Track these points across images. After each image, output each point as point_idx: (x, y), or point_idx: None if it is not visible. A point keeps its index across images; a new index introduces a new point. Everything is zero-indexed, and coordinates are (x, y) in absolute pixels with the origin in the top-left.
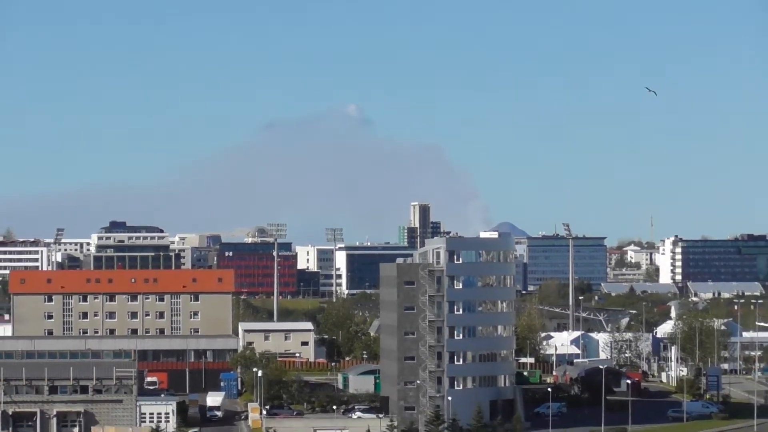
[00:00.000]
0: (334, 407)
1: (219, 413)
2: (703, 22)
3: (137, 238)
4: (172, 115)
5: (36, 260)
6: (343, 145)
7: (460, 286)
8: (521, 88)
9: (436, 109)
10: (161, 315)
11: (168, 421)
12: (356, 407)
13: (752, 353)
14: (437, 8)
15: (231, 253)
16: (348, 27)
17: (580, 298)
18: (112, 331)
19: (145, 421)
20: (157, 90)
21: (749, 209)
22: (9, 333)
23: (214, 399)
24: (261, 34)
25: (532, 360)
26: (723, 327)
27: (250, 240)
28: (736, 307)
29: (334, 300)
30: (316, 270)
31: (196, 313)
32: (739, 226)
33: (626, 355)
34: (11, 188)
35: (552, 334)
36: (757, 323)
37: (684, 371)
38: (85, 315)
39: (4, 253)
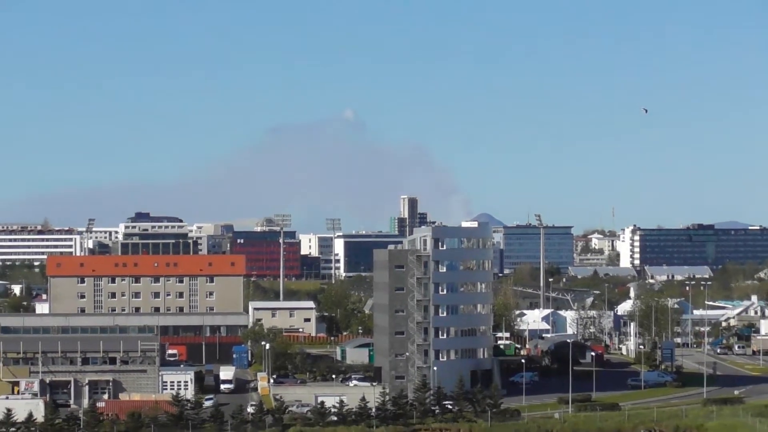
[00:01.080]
0: (333, 376)
1: (231, 386)
2: (648, 19)
3: (159, 227)
4: (191, 118)
5: (70, 247)
6: (341, 146)
7: (444, 270)
8: (497, 94)
9: (421, 114)
10: (180, 295)
11: (186, 389)
12: (353, 376)
13: (702, 329)
14: (424, 26)
15: (242, 241)
16: (346, 41)
17: (550, 280)
18: (137, 309)
19: (166, 389)
20: (178, 97)
21: (699, 201)
22: (46, 311)
23: (226, 373)
24: (267, 48)
25: (507, 335)
26: (676, 306)
27: (259, 229)
28: (687, 288)
29: (333, 282)
30: (317, 255)
31: (211, 294)
32: (690, 216)
33: (590, 330)
34: (48, 183)
35: (525, 311)
36: (706, 302)
37: (641, 345)
38: (113, 295)
39: (42, 240)
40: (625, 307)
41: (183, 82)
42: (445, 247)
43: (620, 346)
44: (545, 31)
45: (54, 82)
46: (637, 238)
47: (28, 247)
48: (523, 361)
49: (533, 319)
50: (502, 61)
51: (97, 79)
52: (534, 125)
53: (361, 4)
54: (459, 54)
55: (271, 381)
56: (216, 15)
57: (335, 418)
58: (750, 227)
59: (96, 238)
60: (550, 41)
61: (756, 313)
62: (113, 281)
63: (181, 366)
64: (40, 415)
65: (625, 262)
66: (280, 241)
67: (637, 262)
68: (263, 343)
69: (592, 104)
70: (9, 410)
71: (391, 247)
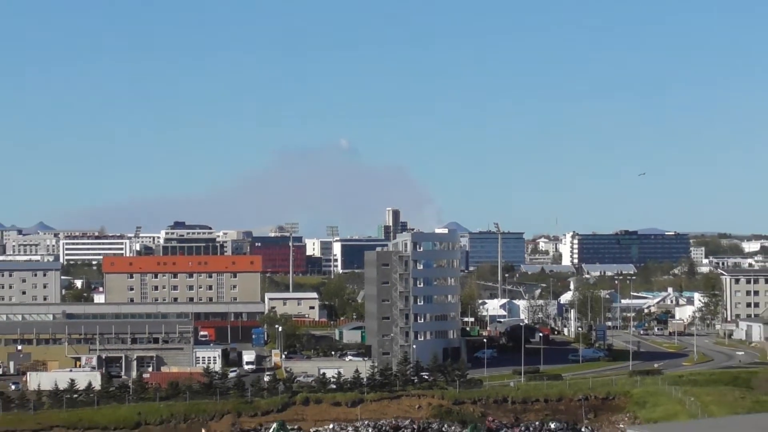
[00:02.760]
0: (333, 353)
1: (253, 366)
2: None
3: (193, 233)
4: (219, 145)
5: (121, 249)
6: (338, 168)
7: (421, 267)
8: (463, 126)
9: (402, 142)
10: (210, 288)
11: (215, 363)
12: (348, 353)
13: (628, 314)
14: (405, 75)
15: (259, 244)
16: (343, 86)
17: (506, 275)
18: (175, 299)
19: (198, 363)
20: (207, 129)
21: (626, 211)
22: (102, 301)
23: (249, 355)
24: (283, 91)
25: (472, 319)
26: (607, 296)
27: (272, 234)
28: (616, 282)
29: (332, 277)
30: (319, 255)
31: (234, 287)
32: (618, 224)
33: (539, 315)
34: (104, 198)
35: (486, 301)
36: (631, 293)
37: (580, 327)
38: (156, 288)
39: (99, 244)
40: (566, 297)
41: (212, 118)
42: (421, 249)
43: (563, 328)
44: (500, 63)
45: (115, 117)
46: (575, 241)
47: (88, 249)
48: (484, 340)
49: (492, 306)
50: (466, 99)
51: (145, 116)
52: (494, 150)
53: (354, 57)
54: (432, 98)
55: (283, 356)
56: (240, 65)
57: (334, 386)
58: (666, 233)
59: (142, 242)
60: (502, 72)
61: (671, 302)
62: (156, 277)
63: (211, 345)
64: (97, 384)
65: (566, 261)
66: (290, 244)
67: (575, 261)
68: (276, 326)
69: (540, 131)
70: (72, 380)
71: (378, 249)
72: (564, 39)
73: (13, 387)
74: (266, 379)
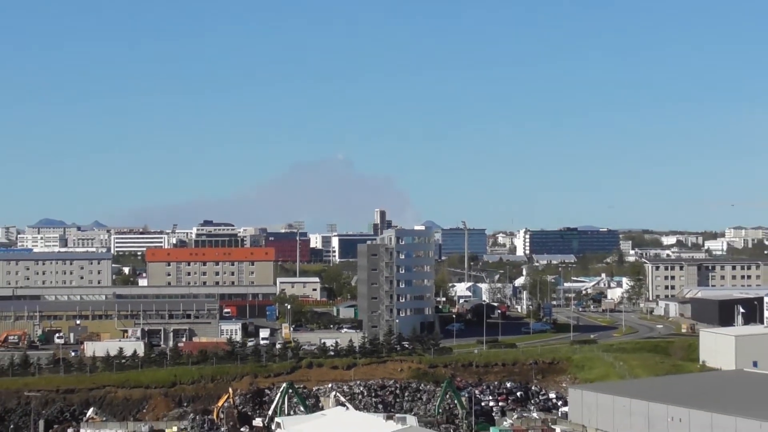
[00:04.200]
0: (331, 326)
1: (267, 341)
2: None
3: (218, 229)
4: (240, 157)
5: (161, 242)
6: (337, 176)
7: (403, 257)
8: (437, 139)
9: (388, 156)
10: (233, 273)
11: (236, 334)
12: (344, 326)
13: (569, 295)
14: (389, 100)
15: (272, 238)
16: (341, 107)
17: (471, 263)
18: (204, 283)
19: (223, 334)
20: (234, 142)
21: (568, 210)
22: (145, 284)
23: (264, 331)
24: (294, 114)
25: (444, 299)
26: (552, 280)
27: (283, 230)
28: (560, 269)
29: (331, 265)
30: (321, 248)
31: (252, 273)
32: (562, 221)
33: (497, 296)
34: (147, 200)
35: (455, 284)
36: (572, 278)
37: (530, 305)
38: (188, 273)
39: (143, 238)
40: (519, 281)
41: (237, 136)
42: (403, 242)
43: (517, 306)
44: (464, 92)
45: (156, 136)
46: (527, 236)
47: (134, 242)
48: (453, 316)
49: (460, 288)
50: (440, 121)
51: (181, 135)
52: (462, 163)
53: (351, 86)
54: (413, 121)
55: (291, 329)
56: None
57: (332, 353)
58: (600, 229)
59: (178, 236)
60: (467, 98)
61: (604, 285)
62: (188, 265)
63: (233, 319)
64: (141, 352)
65: (519, 252)
66: (297, 238)
67: (527, 251)
68: (286, 304)
69: (499, 145)
70: (121, 348)
71: (368, 242)
72: (515, 62)
73: (73, 354)
74: (277, 347)
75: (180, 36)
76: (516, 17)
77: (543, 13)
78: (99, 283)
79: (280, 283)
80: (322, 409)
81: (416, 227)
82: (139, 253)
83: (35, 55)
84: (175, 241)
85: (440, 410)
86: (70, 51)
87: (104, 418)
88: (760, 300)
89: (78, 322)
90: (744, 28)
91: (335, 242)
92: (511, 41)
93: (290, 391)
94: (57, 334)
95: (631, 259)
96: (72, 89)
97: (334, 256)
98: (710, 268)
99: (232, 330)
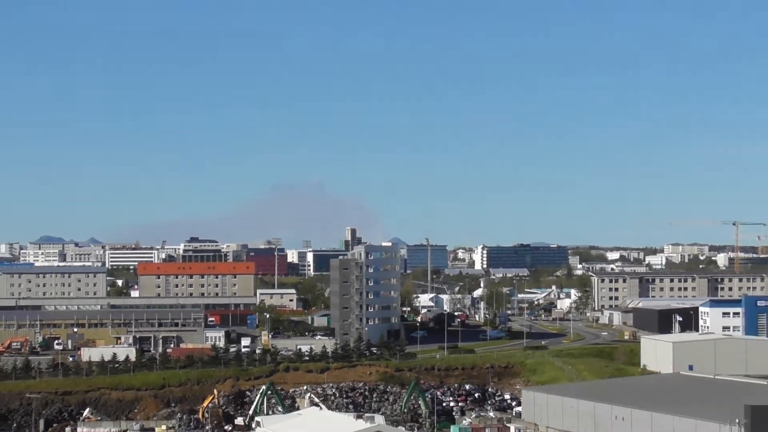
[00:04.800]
0: (306, 333)
1: (248, 349)
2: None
3: (204, 246)
4: (224, 180)
5: (151, 257)
6: (311, 198)
7: (372, 271)
8: (403, 164)
9: (357, 180)
10: (217, 286)
11: (220, 341)
12: (318, 334)
13: (522, 305)
14: (361, 127)
15: (253, 253)
16: (315, 135)
17: (434, 276)
18: (191, 294)
19: (208, 341)
20: (219, 166)
21: (522, 228)
22: (137, 295)
23: (245, 340)
24: (271, 138)
25: (409, 308)
26: (507, 291)
27: (263, 246)
28: (514, 281)
29: (306, 278)
30: (297, 262)
31: (234, 285)
32: (516, 238)
33: (457, 306)
34: (138, 219)
35: (419, 295)
36: (525, 290)
37: (487, 314)
38: (176, 286)
39: (135, 253)
40: (477, 292)
41: (222, 161)
42: (372, 257)
43: (475, 315)
44: (423, 117)
45: (147, 159)
46: (485, 252)
47: (126, 257)
48: (418, 324)
49: (424, 299)
50: (405, 147)
51: (170, 158)
52: (425, 185)
53: (322, 114)
54: (379, 148)
55: (270, 335)
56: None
57: (307, 358)
58: (551, 245)
59: (166, 252)
60: (426, 126)
61: (554, 296)
62: (177, 278)
63: (217, 327)
64: (133, 357)
65: (477, 266)
66: (275, 254)
67: (485, 265)
68: (265, 313)
69: (457, 169)
70: (115, 354)
71: (340, 257)
72: (469, 90)
73: (71, 359)
74: (257, 352)
75: (175, 66)
76: (473, 44)
77: (500, 39)
78: (95, 294)
79: (260, 294)
80: (298, 409)
81: (384, 243)
82: (131, 267)
83: (35, 79)
84: (164, 256)
85: (405, 410)
86: (77, 75)
87: (99, 418)
88: (696, 310)
89: (75, 329)
90: (685, 53)
91: (310, 257)
92: (458, 70)
93: (270, 392)
94: (56, 341)
95: (579, 272)
96: (69, 116)
97: (309, 269)
98: (650, 280)
99: (216, 337)
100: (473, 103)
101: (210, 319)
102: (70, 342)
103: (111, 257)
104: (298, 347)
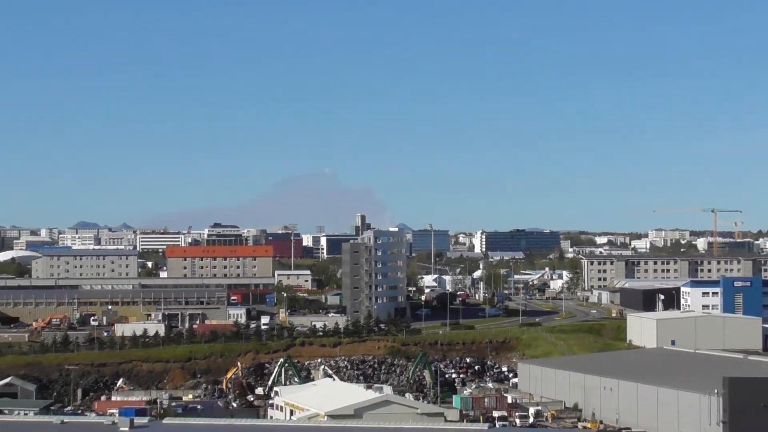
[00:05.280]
0: (320, 311)
1: (267, 323)
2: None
3: (226, 230)
4: (246, 171)
5: (178, 241)
6: (324, 187)
7: (380, 254)
8: (408, 157)
9: (367, 170)
10: (238, 267)
11: (241, 318)
12: (330, 311)
13: (518, 285)
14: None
15: (271, 238)
16: (328, 129)
17: (437, 259)
18: (214, 275)
19: (230, 318)
20: (241, 158)
21: (518, 214)
22: (165, 276)
23: (264, 317)
24: (289, 131)
25: (414, 288)
26: (504, 273)
27: (280, 231)
28: (510, 264)
29: (320, 260)
30: (311, 246)
31: (254, 266)
32: (513, 224)
33: (459, 286)
34: (167, 206)
35: (423, 276)
36: (521, 271)
37: (486, 294)
38: (201, 267)
39: (163, 238)
40: (477, 274)
41: (244, 153)
42: (380, 242)
43: (475, 295)
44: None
45: (173, 151)
46: (483, 236)
47: (156, 241)
48: (422, 303)
49: (427, 280)
50: (409, 142)
51: (196, 149)
52: (429, 175)
53: (336, 111)
54: (387, 141)
55: (287, 313)
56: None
57: (321, 333)
58: (544, 230)
59: (192, 236)
60: (431, 122)
61: (547, 277)
62: (201, 260)
63: (238, 306)
64: (161, 332)
65: (477, 249)
66: (292, 238)
67: (484, 249)
68: (282, 293)
69: (456, 162)
70: (145, 329)
71: (351, 241)
72: (469, 91)
73: (105, 334)
74: (275, 328)
75: (200, 65)
76: (472, 47)
77: (499, 41)
78: (127, 275)
79: (278, 275)
80: (313, 380)
81: (391, 229)
82: (160, 250)
83: (75, 81)
84: (190, 240)
85: (411, 381)
86: (104, 78)
87: (131, 388)
88: (677, 290)
89: (110, 307)
90: (670, 45)
91: (323, 241)
92: (458, 72)
93: (287, 364)
94: (92, 318)
95: (570, 255)
96: (104, 112)
97: (323, 253)
98: (636, 263)
99: (238, 314)
100: (473, 103)
101: (232, 297)
102: (104, 318)
103: (141, 241)
104: (313, 324)
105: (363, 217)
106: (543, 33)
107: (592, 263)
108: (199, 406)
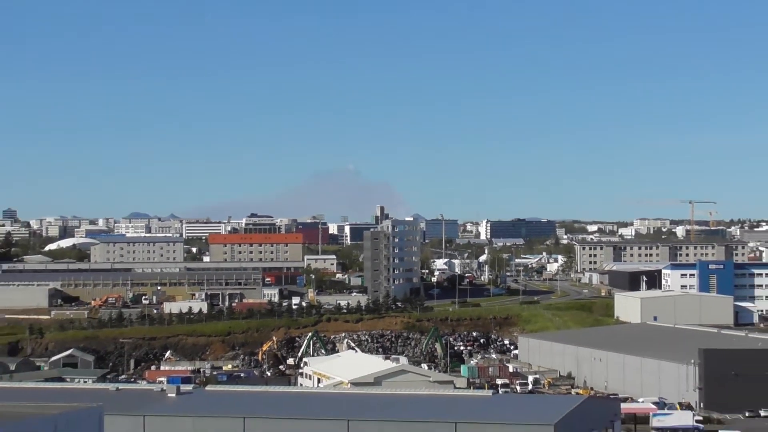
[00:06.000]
0: (344, 291)
1: (298, 303)
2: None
3: (262, 220)
4: (279, 167)
5: (219, 229)
6: (348, 182)
7: (397, 240)
8: (421, 155)
9: (386, 167)
10: (272, 252)
11: (275, 297)
12: (353, 291)
13: (519, 268)
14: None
15: (301, 227)
16: (351, 129)
17: (447, 245)
18: (251, 260)
19: (265, 297)
20: (274, 158)
21: (519, 205)
22: (208, 260)
23: (295, 297)
24: (316, 132)
25: (427, 271)
26: (506, 257)
27: (309, 221)
28: (512, 249)
29: (344, 246)
30: (337, 234)
31: (286, 252)
32: (514, 213)
33: (466, 269)
34: (209, 198)
35: (435, 260)
36: (521, 256)
37: (491, 276)
38: (240, 252)
39: (206, 226)
40: (482, 258)
41: (276, 153)
42: (397, 230)
43: (480, 276)
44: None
45: (215, 148)
46: (488, 225)
47: (199, 229)
48: (434, 283)
49: (439, 264)
50: (423, 142)
51: (237, 147)
52: (441, 170)
53: (357, 112)
54: (403, 140)
55: (315, 293)
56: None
57: (345, 311)
58: (542, 220)
59: (231, 225)
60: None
61: (545, 261)
62: (240, 246)
63: (272, 286)
64: (204, 310)
65: (483, 236)
66: (319, 227)
67: (489, 236)
68: (311, 275)
69: (467, 159)
70: (190, 307)
71: (372, 230)
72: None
73: (155, 311)
74: (305, 306)
75: (245, 75)
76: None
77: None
78: (174, 259)
79: (307, 259)
80: (337, 351)
81: (406, 218)
82: (203, 238)
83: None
84: (229, 229)
85: (425, 352)
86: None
87: (178, 358)
88: (659, 272)
89: (158, 288)
90: (658, 47)
91: (347, 230)
92: (464, 74)
93: (315, 338)
94: (143, 297)
95: (564, 242)
96: (153, 116)
97: (347, 239)
98: (622, 248)
99: (272, 294)
100: (479, 102)
101: (266, 279)
102: (154, 297)
103: (187, 229)
104: (338, 302)
105: (382, 208)
106: (537, 34)
107: (584, 248)
108: (242, 374)
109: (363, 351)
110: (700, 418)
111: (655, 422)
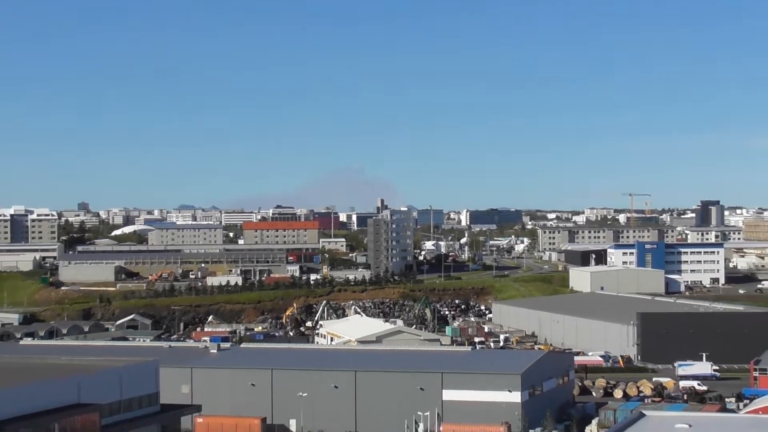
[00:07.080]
0: (352, 267)
1: (314, 278)
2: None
3: (285, 210)
4: (298, 166)
5: (251, 217)
6: (354, 179)
7: (394, 226)
8: (413, 157)
9: (385, 167)
10: (294, 237)
11: (296, 272)
12: (359, 267)
13: (493, 248)
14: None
15: (317, 215)
16: (356, 133)
17: (435, 229)
18: (277, 242)
19: (288, 272)
20: (295, 160)
21: (491, 196)
22: (242, 243)
23: (313, 273)
24: (329, 136)
25: (418, 250)
26: (482, 239)
27: (324, 210)
28: (487, 233)
29: (352, 231)
30: (346, 221)
31: (305, 236)
32: (490, 203)
33: (450, 249)
34: (242, 192)
35: (425, 242)
36: (494, 238)
37: (470, 255)
38: (268, 236)
39: (241, 215)
40: (463, 240)
41: (295, 151)
42: (394, 218)
43: (461, 255)
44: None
45: (249, 148)
46: (468, 213)
47: (236, 218)
48: (424, 261)
49: (428, 245)
50: (411, 144)
51: (268, 147)
52: (430, 168)
53: (361, 117)
54: (398, 142)
55: (328, 269)
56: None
57: (353, 283)
58: (511, 209)
59: (261, 214)
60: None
61: (513, 242)
62: (268, 231)
63: (294, 264)
64: (239, 282)
65: (463, 223)
66: (331, 216)
67: (468, 222)
68: (325, 254)
69: (452, 154)
70: (228, 281)
71: (374, 218)
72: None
73: (200, 284)
74: (320, 279)
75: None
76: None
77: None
78: (215, 242)
79: (322, 242)
80: (346, 316)
81: (402, 209)
82: (238, 225)
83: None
84: (260, 217)
85: (416, 316)
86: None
87: (218, 322)
88: (605, 251)
89: (203, 265)
90: (643, 34)
91: (354, 218)
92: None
93: (328, 305)
94: (190, 273)
95: (529, 227)
96: (197, 118)
97: (354, 226)
98: (576, 232)
99: (294, 270)
100: (461, 107)
101: (289, 258)
102: (199, 273)
103: (225, 218)
104: (347, 276)
105: (382, 200)
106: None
107: (545, 232)
108: (276, 333)
109: (367, 315)
110: (717, 367)
111: (680, 371)
